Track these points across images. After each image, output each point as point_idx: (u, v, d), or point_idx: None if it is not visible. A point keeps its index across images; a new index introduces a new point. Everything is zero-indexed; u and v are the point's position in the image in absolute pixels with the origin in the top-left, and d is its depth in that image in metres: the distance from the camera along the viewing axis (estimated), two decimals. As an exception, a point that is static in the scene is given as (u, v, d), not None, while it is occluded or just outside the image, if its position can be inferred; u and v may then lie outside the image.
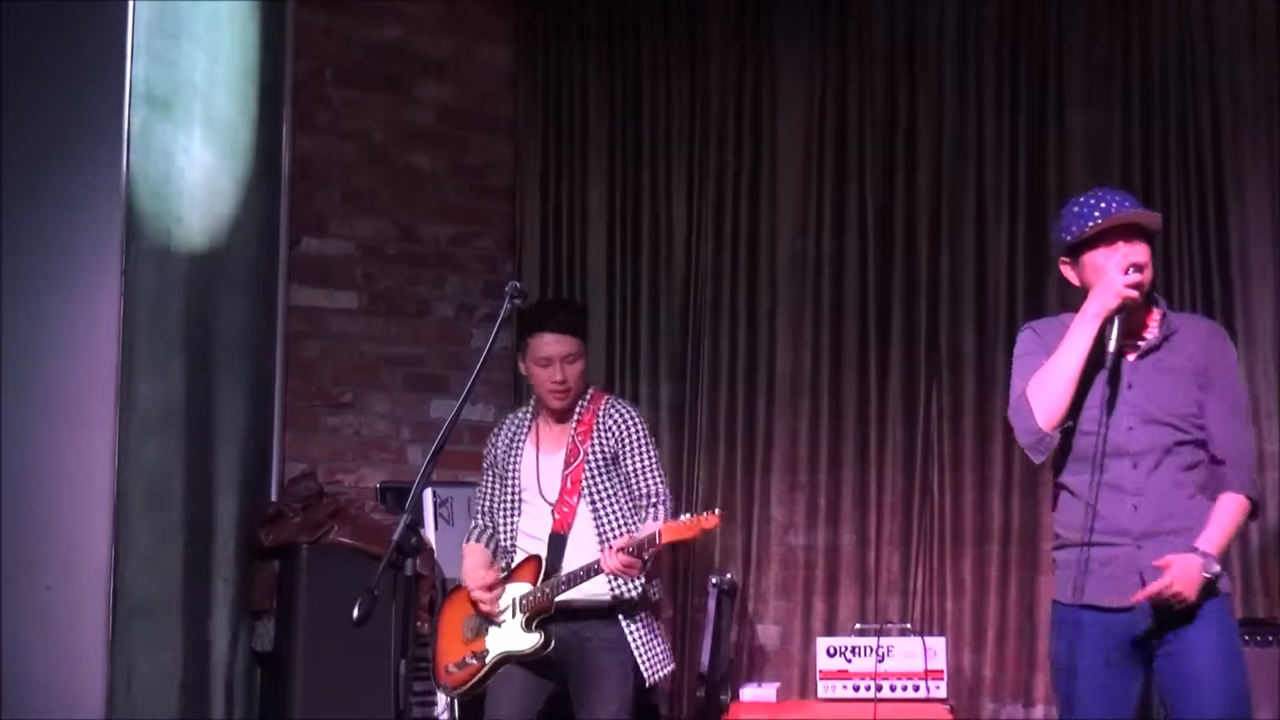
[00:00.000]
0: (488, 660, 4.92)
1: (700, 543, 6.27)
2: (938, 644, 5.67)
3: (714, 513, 4.78)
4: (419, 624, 5.45)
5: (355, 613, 3.51)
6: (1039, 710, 5.96)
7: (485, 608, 4.94)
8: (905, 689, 5.59)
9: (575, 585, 4.82)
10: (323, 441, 6.27)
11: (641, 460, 5.06)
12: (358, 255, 6.42)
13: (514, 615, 4.91)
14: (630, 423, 5.07)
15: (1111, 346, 3.90)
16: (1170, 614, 3.86)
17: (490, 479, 5.16)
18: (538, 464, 5.04)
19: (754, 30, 6.60)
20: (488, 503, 5.17)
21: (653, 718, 5.71)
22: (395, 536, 3.61)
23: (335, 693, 5.40)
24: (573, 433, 5.05)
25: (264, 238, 6.06)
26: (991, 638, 6.04)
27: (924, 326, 6.27)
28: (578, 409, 5.07)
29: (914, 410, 6.24)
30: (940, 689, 5.60)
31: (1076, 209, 4.04)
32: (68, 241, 5.19)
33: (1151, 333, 4.05)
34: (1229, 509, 3.96)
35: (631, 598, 4.87)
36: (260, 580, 5.72)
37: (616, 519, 4.98)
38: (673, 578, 6.33)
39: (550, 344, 4.99)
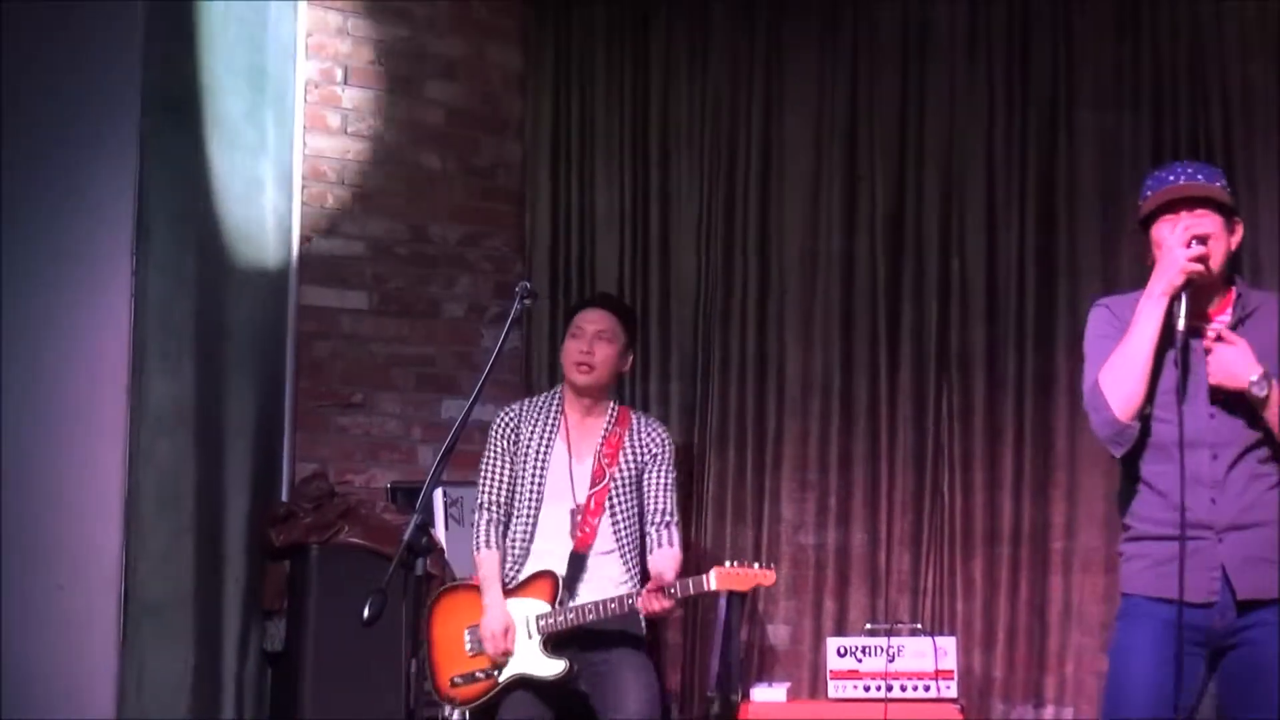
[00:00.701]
0: (501, 679, 4.87)
1: (707, 543, 6.28)
2: (948, 644, 5.66)
3: (771, 567, 4.79)
4: (429, 624, 5.45)
5: (366, 613, 3.52)
6: (1049, 711, 5.95)
7: (498, 659, 4.86)
8: (916, 689, 5.58)
9: (603, 616, 4.79)
10: (333, 441, 6.27)
11: (663, 479, 5.10)
12: (368, 255, 6.42)
13: (530, 635, 4.87)
14: (662, 444, 5.14)
15: (1181, 325, 3.71)
16: (1252, 613, 3.71)
17: (504, 463, 5.10)
18: (571, 470, 5.02)
19: (764, 31, 6.59)
20: (501, 489, 5.09)
21: (664, 718, 5.71)
22: (406, 536, 3.62)
23: (346, 693, 5.41)
24: (599, 452, 5.03)
25: (274, 238, 6.07)
26: (1002, 638, 6.02)
27: (934, 326, 6.25)
28: (606, 424, 5.06)
29: (924, 410, 6.23)
30: (951, 689, 5.59)
31: (1150, 181, 3.92)
32: (79, 242, 5.22)
33: (1227, 314, 3.86)
34: None
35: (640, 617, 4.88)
36: (271, 580, 5.72)
37: (636, 543, 5.01)
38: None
39: (585, 316, 5.07)
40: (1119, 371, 3.77)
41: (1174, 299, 3.72)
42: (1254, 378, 3.69)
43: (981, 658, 6.03)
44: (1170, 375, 3.75)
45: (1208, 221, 3.79)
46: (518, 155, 6.77)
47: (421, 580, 3.68)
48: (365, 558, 5.49)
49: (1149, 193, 3.88)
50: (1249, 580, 3.73)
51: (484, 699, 4.90)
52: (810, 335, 6.40)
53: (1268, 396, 3.69)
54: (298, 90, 6.27)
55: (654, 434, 5.15)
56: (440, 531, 5.97)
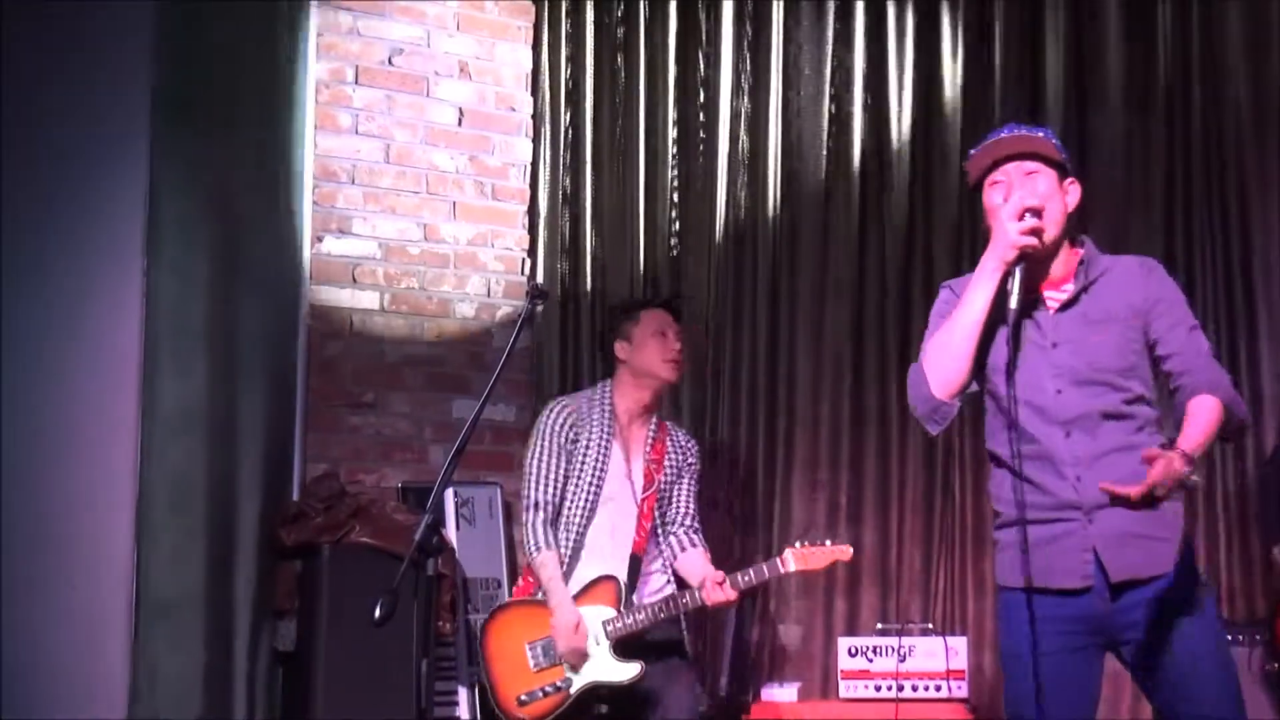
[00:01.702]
0: (574, 690, 4.83)
1: (715, 543, 6.28)
2: (959, 644, 5.66)
3: (847, 545, 4.79)
4: (440, 624, 5.46)
5: (377, 612, 3.52)
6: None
7: (574, 660, 4.83)
8: (927, 689, 5.59)
9: (673, 613, 4.82)
10: (344, 441, 6.27)
11: (694, 487, 5.19)
12: (379, 255, 6.42)
13: (598, 642, 4.85)
14: (696, 454, 5.24)
15: (1013, 303, 3.47)
16: (1136, 595, 3.51)
17: (560, 460, 5.03)
18: (629, 473, 5.03)
19: (778, 30, 6.60)
20: (556, 488, 5.02)
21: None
22: (417, 536, 3.63)
23: (357, 692, 5.40)
24: (647, 458, 5.04)
25: (285, 238, 6.08)
26: (1013, 637, 6.01)
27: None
28: (649, 431, 5.09)
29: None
30: (962, 689, 5.59)
31: (974, 149, 3.69)
32: (90, 243, 5.22)
33: (1072, 282, 3.63)
34: (1203, 409, 3.44)
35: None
36: (282, 580, 5.72)
37: (668, 544, 5.05)
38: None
39: (662, 317, 5.09)
40: (942, 348, 3.58)
41: (1007, 274, 3.50)
42: (1187, 482, 3.31)
43: (992, 657, 6.03)
44: (1002, 352, 3.53)
45: (1040, 180, 3.57)
46: (529, 155, 6.77)
47: (432, 580, 3.68)
48: (376, 558, 5.49)
49: (973, 153, 3.67)
50: (1122, 559, 3.51)
51: (556, 713, 4.84)
52: (821, 335, 6.41)
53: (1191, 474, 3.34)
54: (309, 90, 6.28)
55: (690, 443, 5.27)
56: (451, 531, 5.98)
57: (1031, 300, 3.59)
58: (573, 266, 6.67)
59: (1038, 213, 3.51)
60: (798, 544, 4.75)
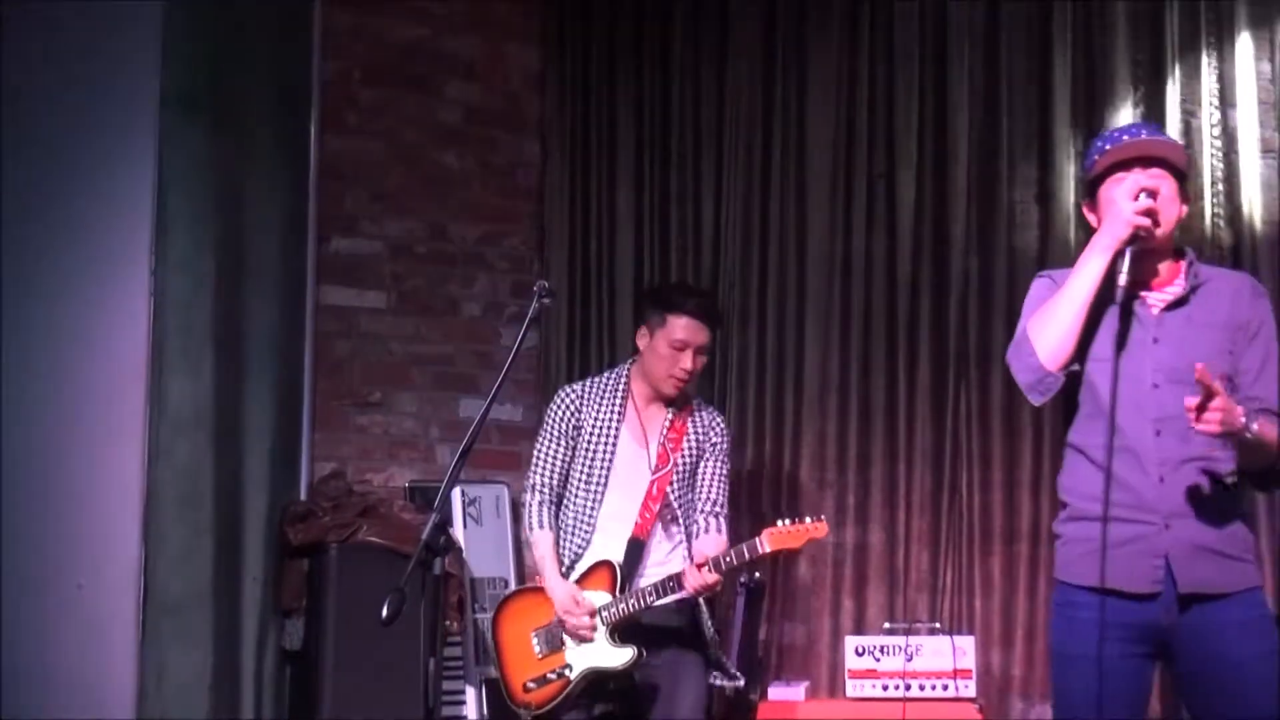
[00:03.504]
0: (574, 676, 4.83)
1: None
2: (966, 643, 5.64)
3: (821, 519, 4.67)
4: (448, 623, 5.46)
5: (384, 611, 3.51)
6: (1068, 710, 5.94)
7: (584, 634, 4.81)
8: (934, 688, 5.57)
9: (664, 598, 4.74)
10: (352, 440, 6.28)
11: (719, 470, 5.06)
12: (387, 255, 6.43)
13: (595, 628, 4.84)
14: (722, 435, 5.10)
15: (1122, 280, 3.49)
16: (1200, 607, 3.49)
17: (562, 445, 5.02)
18: (636, 456, 4.96)
19: (784, 29, 6.58)
20: (556, 472, 5.01)
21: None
22: (424, 535, 3.62)
23: (364, 691, 5.41)
24: (663, 437, 5.01)
25: (292, 238, 6.08)
26: (1020, 637, 6.01)
27: (953, 325, 6.24)
28: (670, 410, 5.02)
29: (943, 408, 6.22)
30: (969, 688, 5.58)
31: (1098, 143, 3.73)
32: (98, 242, 5.23)
33: (1179, 283, 3.66)
34: (1271, 427, 3.48)
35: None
36: (289, 579, 5.73)
37: (688, 531, 4.98)
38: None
39: (690, 328, 4.92)
40: (1050, 318, 3.58)
41: (1118, 255, 3.52)
42: (1248, 431, 3.40)
43: (1000, 656, 6.02)
44: (1103, 339, 3.57)
45: (1160, 177, 3.60)
46: (536, 154, 6.77)
47: (439, 579, 3.68)
48: (384, 556, 5.50)
49: (1100, 153, 3.69)
50: (1193, 572, 3.51)
51: (559, 698, 4.85)
52: (829, 334, 6.40)
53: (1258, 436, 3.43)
54: (315, 89, 6.28)
55: (715, 423, 5.12)
56: (459, 530, 5.99)
57: (1135, 297, 3.61)
58: (580, 266, 6.67)
59: (1153, 194, 3.54)
60: (779, 523, 4.69)
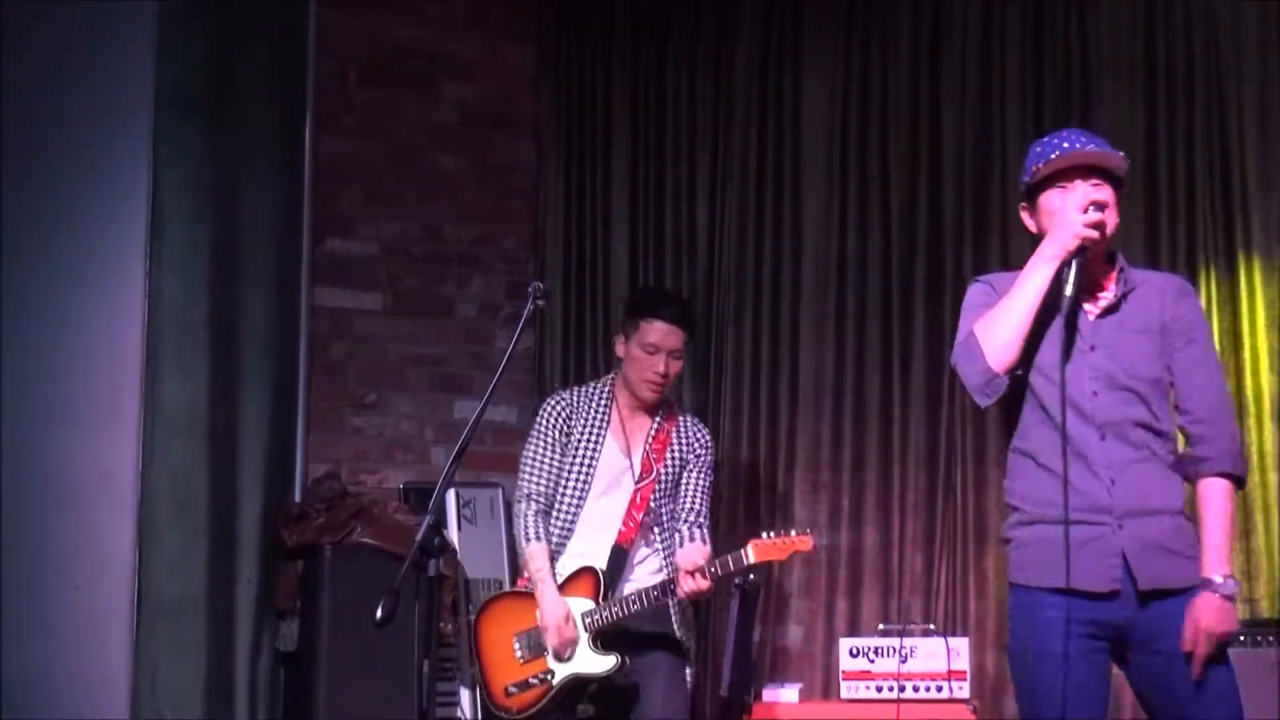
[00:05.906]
0: (555, 681, 4.84)
1: (719, 545, 6.27)
2: (961, 644, 5.64)
3: (807, 533, 4.70)
4: (442, 624, 5.46)
5: (379, 613, 3.52)
6: (1062, 711, 5.93)
7: (566, 653, 4.83)
8: (928, 690, 5.57)
9: (647, 606, 4.76)
10: (347, 442, 6.28)
11: (702, 480, 5.09)
12: (382, 256, 6.43)
13: (578, 640, 4.85)
14: (705, 446, 5.13)
15: (1069, 291, 3.56)
16: (1157, 604, 3.58)
17: (554, 452, 5.02)
18: (619, 465, 4.98)
19: (779, 30, 6.59)
20: (548, 479, 5.01)
21: None
22: (418, 537, 3.62)
23: (359, 693, 5.42)
24: (648, 447, 5.02)
25: (287, 238, 6.08)
26: (1015, 638, 6.01)
27: (947, 325, 6.24)
28: (655, 421, 5.05)
29: (937, 409, 6.21)
30: (963, 689, 5.58)
31: (1038, 148, 3.75)
32: (92, 243, 5.24)
33: (1111, 290, 3.73)
34: (1218, 503, 3.65)
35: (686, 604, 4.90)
36: (284, 581, 5.73)
37: (671, 540, 5.01)
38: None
39: (662, 332, 4.93)
40: (998, 322, 3.63)
41: (1064, 264, 3.59)
42: (1230, 597, 3.58)
43: (995, 657, 6.01)
44: (1057, 343, 3.61)
45: (1105, 191, 3.66)
46: (532, 155, 6.77)
47: (434, 581, 3.68)
48: (378, 558, 5.50)
49: (1042, 161, 3.71)
50: (1151, 568, 3.60)
51: (541, 704, 4.85)
52: (823, 334, 6.40)
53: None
54: (311, 90, 6.28)
55: (699, 435, 5.14)
56: (453, 532, 5.99)
57: (1076, 302, 3.66)
58: (575, 266, 6.67)
59: (1102, 207, 3.61)
60: (764, 535, 4.72)
